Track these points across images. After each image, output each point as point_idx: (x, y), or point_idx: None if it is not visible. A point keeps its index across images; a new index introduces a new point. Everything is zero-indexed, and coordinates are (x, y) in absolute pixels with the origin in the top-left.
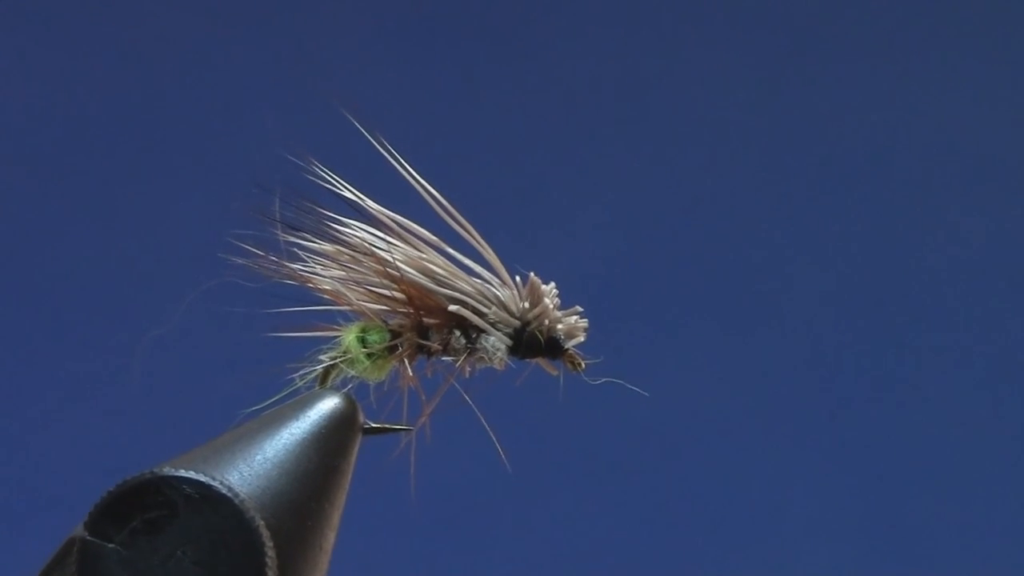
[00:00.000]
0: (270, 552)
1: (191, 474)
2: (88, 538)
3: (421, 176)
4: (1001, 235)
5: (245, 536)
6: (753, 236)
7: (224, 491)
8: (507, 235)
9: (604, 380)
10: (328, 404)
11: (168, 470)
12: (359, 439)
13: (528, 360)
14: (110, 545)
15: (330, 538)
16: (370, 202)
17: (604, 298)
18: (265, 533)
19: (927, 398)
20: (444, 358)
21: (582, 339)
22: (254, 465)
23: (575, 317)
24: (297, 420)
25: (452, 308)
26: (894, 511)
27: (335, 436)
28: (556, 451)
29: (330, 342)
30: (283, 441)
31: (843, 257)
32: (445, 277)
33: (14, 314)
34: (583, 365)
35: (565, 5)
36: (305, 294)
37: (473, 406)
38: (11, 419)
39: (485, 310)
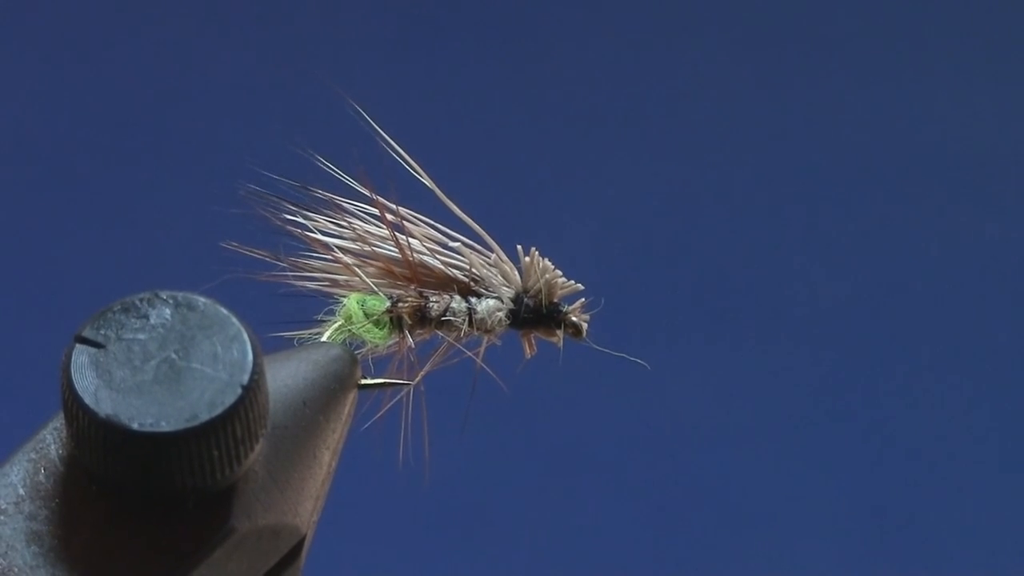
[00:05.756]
0: (262, 370)
1: (182, 292)
2: (77, 344)
3: (418, 163)
4: (1005, 237)
5: (239, 346)
6: (754, 237)
7: (223, 309)
8: (505, 224)
9: (604, 351)
10: (331, 351)
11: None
12: (355, 389)
13: (528, 331)
14: (102, 348)
15: (325, 456)
16: (367, 189)
17: (604, 298)
18: (257, 345)
19: (929, 400)
20: (445, 319)
21: (581, 305)
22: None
23: (573, 281)
24: (299, 357)
25: (451, 274)
26: (896, 513)
27: (334, 377)
28: (555, 450)
29: (332, 313)
30: (283, 369)
31: (845, 258)
32: (444, 244)
33: (14, 312)
34: (585, 331)
35: (567, 4)
36: (306, 273)
37: (474, 383)
38: (12, 417)
39: (484, 276)
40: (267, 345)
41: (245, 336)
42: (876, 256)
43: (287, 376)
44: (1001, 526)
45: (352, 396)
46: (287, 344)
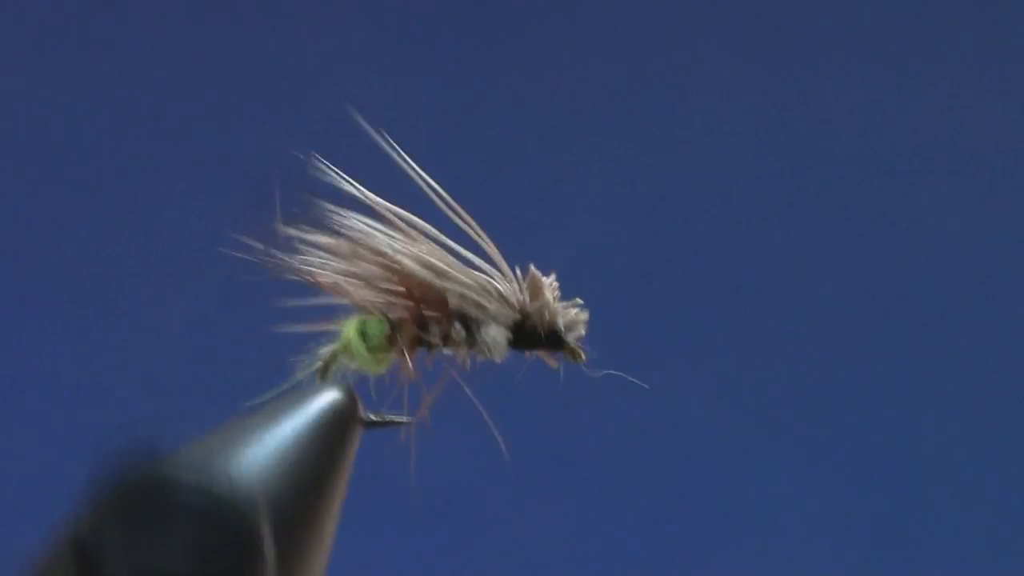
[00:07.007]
0: (268, 549)
1: (190, 474)
2: (88, 536)
3: (421, 171)
4: (1001, 235)
5: (246, 537)
6: (753, 234)
7: (224, 491)
8: (507, 232)
9: (604, 373)
10: (328, 397)
11: (167, 470)
12: (359, 432)
13: (528, 352)
14: (109, 542)
15: (330, 530)
16: (370, 194)
17: (603, 297)
18: (265, 531)
19: (927, 399)
20: (444, 350)
21: (582, 332)
22: (253, 457)
23: (575, 309)
24: (297, 413)
25: (452, 301)
26: (894, 513)
27: (335, 429)
28: (554, 450)
29: (330, 335)
30: (283, 433)
31: (843, 257)
32: (444, 270)
33: (13, 311)
34: (583, 357)
35: (567, 4)
36: (304, 288)
37: (474, 400)
38: (9, 416)
39: (485, 303)
40: (265, 379)
41: (255, 526)
42: (876, 257)
43: (287, 450)
44: (1001, 526)
45: (355, 445)
46: (286, 373)
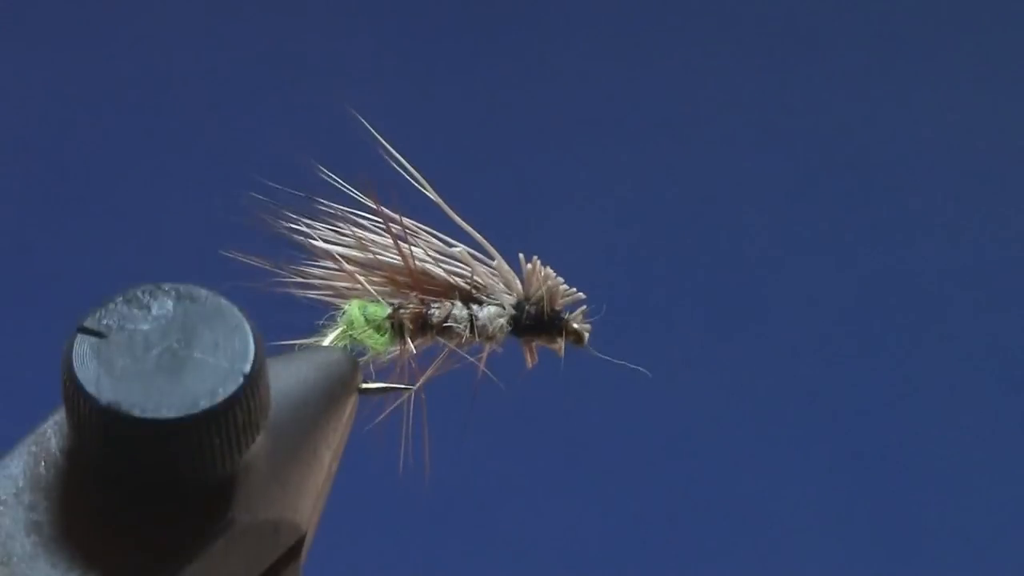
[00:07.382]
0: (263, 359)
1: (184, 284)
2: (79, 334)
3: (421, 172)
4: (999, 234)
5: (241, 336)
6: (755, 232)
7: (224, 300)
8: (506, 232)
9: (606, 358)
10: (332, 354)
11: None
12: (355, 393)
13: (530, 339)
14: (104, 338)
15: (326, 455)
16: (369, 197)
17: (602, 295)
18: (258, 337)
19: (927, 397)
20: (447, 326)
21: (584, 315)
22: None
23: (576, 290)
24: (301, 359)
25: (453, 283)
26: (893, 511)
27: (336, 380)
28: (553, 449)
29: (334, 319)
30: (285, 369)
31: (843, 256)
32: (444, 258)
33: (12, 315)
34: (586, 338)
35: (568, 5)
36: (305, 283)
37: (475, 390)
38: (11, 421)
39: (485, 283)
40: (269, 352)
41: (246, 326)
42: (876, 257)
43: (289, 376)
44: (1001, 526)
45: (353, 399)
46: (289, 350)
